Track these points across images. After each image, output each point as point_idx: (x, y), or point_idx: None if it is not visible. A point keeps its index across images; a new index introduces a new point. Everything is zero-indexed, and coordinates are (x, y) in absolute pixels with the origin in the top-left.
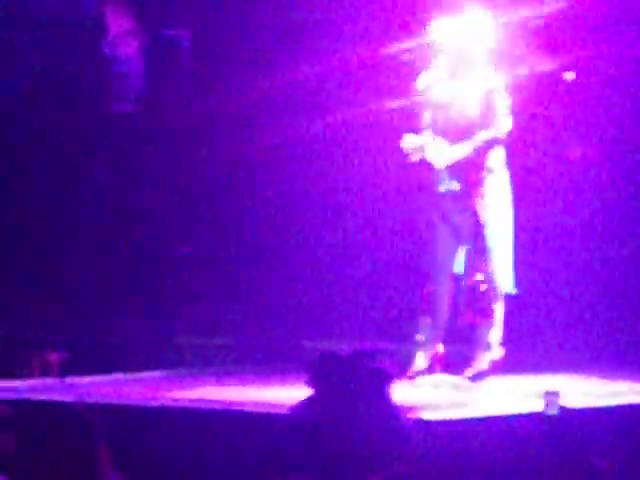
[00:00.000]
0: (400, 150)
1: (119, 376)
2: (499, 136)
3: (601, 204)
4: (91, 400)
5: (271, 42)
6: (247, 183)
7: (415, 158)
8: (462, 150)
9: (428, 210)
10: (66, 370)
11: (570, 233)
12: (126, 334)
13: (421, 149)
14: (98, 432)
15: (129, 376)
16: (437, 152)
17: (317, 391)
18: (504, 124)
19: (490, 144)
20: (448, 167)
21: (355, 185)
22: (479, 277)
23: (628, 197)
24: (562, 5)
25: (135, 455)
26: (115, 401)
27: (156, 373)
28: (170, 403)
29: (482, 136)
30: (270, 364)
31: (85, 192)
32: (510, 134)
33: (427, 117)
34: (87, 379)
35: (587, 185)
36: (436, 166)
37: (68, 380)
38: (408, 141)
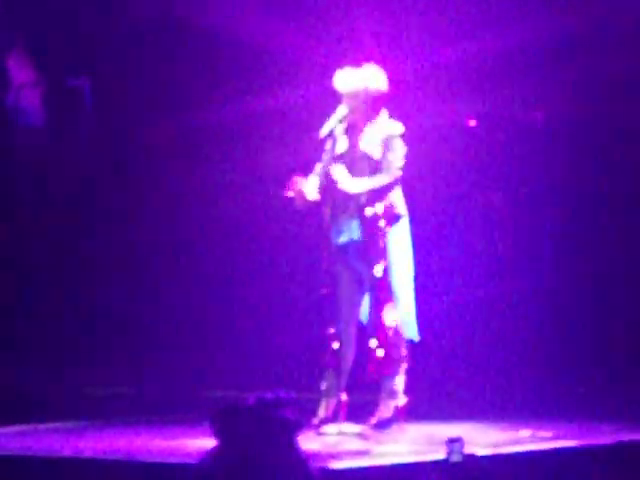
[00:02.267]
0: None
1: (23, 427)
2: (392, 180)
3: (503, 249)
4: None
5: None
6: (150, 231)
7: (298, 203)
8: (362, 184)
9: (330, 260)
10: None
11: (471, 281)
12: (30, 383)
13: (302, 195)
14: None
15: (33, 427)
16: (343, 177)
17: (223, 441)
18: (397, 169)
19: (385, 189)
20: (348, 217)
21: (256, 236)
22: (384, 325)
23: (529, 243)
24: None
25: None
26: (18, 453)
27: (60, 424)
28: (75, 454)
29: (379, 180)
30: (175, 414)
31: None
32: (409, 181)
33: (325, 164)
34: None
35: (490, 232)
36: (342, 187)
37: None
38: (294, 186)
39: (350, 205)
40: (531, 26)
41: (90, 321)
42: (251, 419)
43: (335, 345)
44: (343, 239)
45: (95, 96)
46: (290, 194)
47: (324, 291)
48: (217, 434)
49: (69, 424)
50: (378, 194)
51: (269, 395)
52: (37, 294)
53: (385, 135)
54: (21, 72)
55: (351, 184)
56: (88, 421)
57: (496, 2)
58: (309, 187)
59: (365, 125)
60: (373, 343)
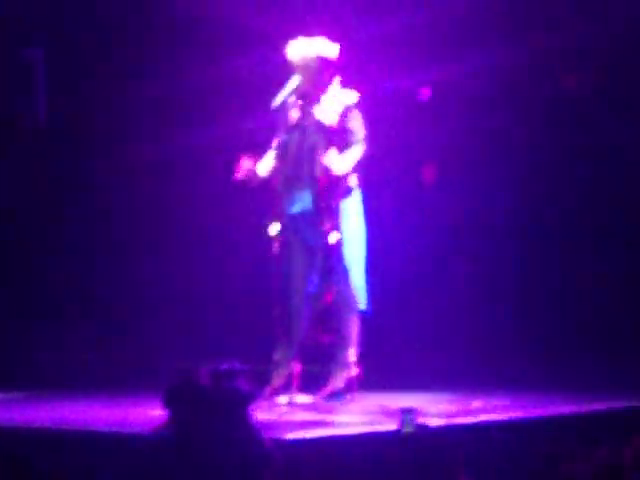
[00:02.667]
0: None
1: None
2: (363, 151)
3: (454, 223)
4: None
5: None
6: (102, 196)
7: (250, 182)
8: (347, 161)
9: (281, 230)
10: None
11: (425, 252)
12: None
13: (254, 173)
14: None
15: None
16: (338, 163)
17: (176, 412)
18: (363, 140)
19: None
20: (300, 188)
21: (207, 206)
22: (334, 296)
23: (481, 216)
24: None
25: None
26: None
27: (11, 394)
28: (27, 424)
29: (357, 150)
30: (128, 385)
31: None
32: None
33: (282, 139)
34: None
35: (440, 205)
36: (337, 173)
37: None
38: (243, 167)
39: (302, 176)
40: None
41: (47, 288)
42: (205, 390)
43: (286, 315)
44: (295, 209)
45: (49, 66)
46: (240, 176)
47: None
48: (170, 407)
49: (19, 393)
50: (354, 167)
51: (223, 366)
52: None
53: (342, 105)
54: None
55: (343, 167)
56: (37, 390)
57: None
58: (261, 165)
59: (318, 95)
60: (324, 313)
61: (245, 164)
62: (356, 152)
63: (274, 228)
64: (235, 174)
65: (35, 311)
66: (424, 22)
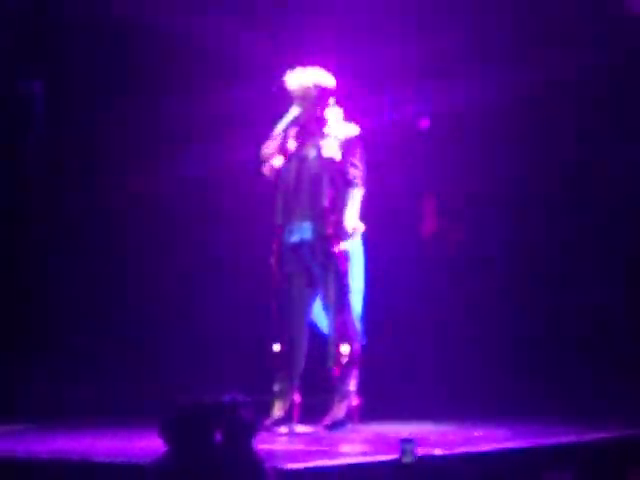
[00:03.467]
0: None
1: None
2: (363, 191)
3: (452, 254)
4: None
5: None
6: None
7: (267, 170)
8: (356, 210)
9: (281, 261)
10: None
11: (424, 282)
12: None
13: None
14: None
15: None
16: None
17: (176, 442)
18: (363, 178)
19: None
20: (300, 218)
21: (208, 234)
22: (337, 326)
23: (478, 247)
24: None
25: None
26: None
27: (10, 426)
28: (27, 456)
29: (358, 195)
30: (126, 415)
31: None
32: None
33: (281, 169)
34: None
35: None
36: (350, 230)
37: None
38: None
39: (302, 206)
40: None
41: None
42: (208, 421)
43: (286, 346)
44: (295, 239)
45: (47, 99)
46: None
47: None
48: (170, 435)
49: (21, 425)
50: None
51: (226, 397)
52: None
53: (343, 137)
54: None
55: (353, 222)
56: (39, 422)
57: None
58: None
59: (318, 125)
60: (341, 346)
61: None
62: (357, 197)
63: (274, 259)
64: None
65: (32, 342)
66: (420, 52)
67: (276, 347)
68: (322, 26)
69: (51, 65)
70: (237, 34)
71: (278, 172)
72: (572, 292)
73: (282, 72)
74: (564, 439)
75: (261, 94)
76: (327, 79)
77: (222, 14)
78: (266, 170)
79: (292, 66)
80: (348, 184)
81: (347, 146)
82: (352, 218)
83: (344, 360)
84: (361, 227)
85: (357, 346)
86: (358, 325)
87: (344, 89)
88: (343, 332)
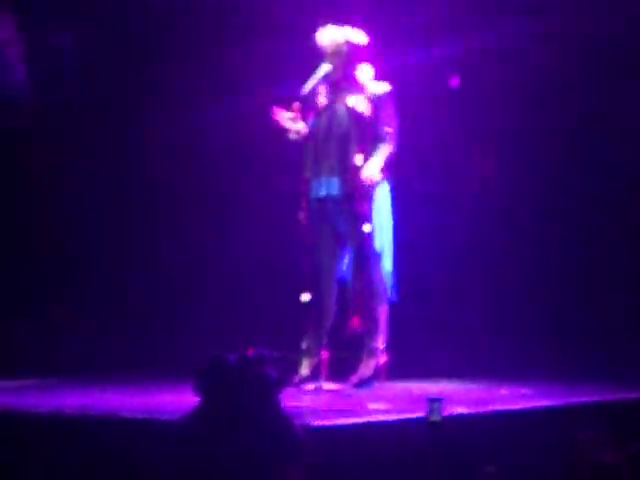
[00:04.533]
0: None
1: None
2: (392, 148)
3: (483, 216)
4: None
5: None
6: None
7: (292, 135)
8: (377, 164)
9: (310, 216)
10: None
11: (452, 241)
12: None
13: (295, 126)
14: None
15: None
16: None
17: (206, 398)
18: (392, 134)
19: (387, 156)
20: (329, 173)
21: (236, 194)
22: (364, 283)
23: (509, 209)
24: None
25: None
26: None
27: (40, 380)
28: (55, 411)
29: (385, 150)
30: (157, 371)
31: None
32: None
33: (311, 124)
34: None
35: (471, 196)
36: (368, 180)
37: None
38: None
39: (331, 161)
40: None
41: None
42: (235, 376)
43: (315, 303)
44: (323, 193)
45: (77, 54)
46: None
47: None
48: (201, 391)
49: (48, 380)
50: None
51: (252, 353)
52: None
53: (372, 93)
54: (2, 29)
55: (374, 172)
56: (66, 377)
57: None
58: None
59: (349, 82)
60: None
61: (282, 114)
62: (384, 152)
63: (303, 214)
64: (273, 119)
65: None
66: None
67: (305, 297)
68: None
69: (81, 20)
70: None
71: (309, 127)
72: (604, 248)
73: (312, 30)
74: (593, 397)
75: (292, 51)
76: (359, 36)
77: None
78: (292, 136)
79: (324, 23)
80: (378, 140)
81: (378, 103)
82: (371, 168)
83: (370, 318)
84: (377, 177)
85: (385, 304)
86: (388, 283)
87: (375, 47)
88: (370, 290)
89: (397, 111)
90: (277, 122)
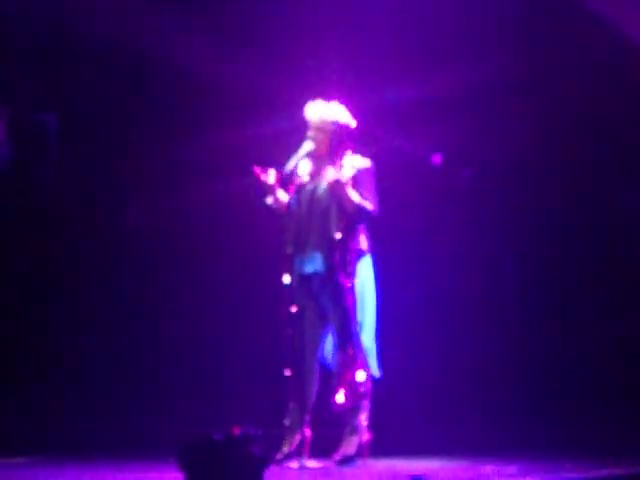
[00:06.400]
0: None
1: None
2: (372, 211)
3: (466, 286)
4: None
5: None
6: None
7: (270, 200)
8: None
9: (293, 293)
10: None
11: (436, 318)
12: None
13: (272, 188)
14: None
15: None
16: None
17: (192, 476)
18: (374, 204)
19: (362, 215)
20: (312, 249)
21: (220, 268)
22: (348, 360)
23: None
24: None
25: None
26: None
27: (23, 459)
28: None
29: (365, 204)
30: (140, 450)
31: None
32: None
33: (292, 200)
34: None
35: (455, 269)
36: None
37: None
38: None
39: (313, 237)
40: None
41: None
42: (220, 454)
43: (298, 380)
44: (307, 270)
45: (62, 131)
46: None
47: (289, 331)
48: (185, 469)
49: (36, 458)
50: (363, 215)
51: (237, 431)
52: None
53: (354, 170)
54: None
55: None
56: (55, 455)
57: (456, 41)
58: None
59: (331, 159)
60: (350, 381)
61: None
62: (364, 202)
63: (287, 292)
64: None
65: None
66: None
67: (287, 372)
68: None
69: (65, 98)
70: (253, 68)
71: (288, 203)
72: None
73: (300, 106)
74: (574, 475)
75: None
76: (348, 118)
77: (236, 47)
78: (269, 201)
79: (305, 101)
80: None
81: (359, 179)
82: (351, 195)
83: (353, 394)
84: (344, 179)
85: (367, 381)
86: (371, 359)
87: (360, 126)
88: (351, 367)
89: (377, 186)
90: (261, 179)
